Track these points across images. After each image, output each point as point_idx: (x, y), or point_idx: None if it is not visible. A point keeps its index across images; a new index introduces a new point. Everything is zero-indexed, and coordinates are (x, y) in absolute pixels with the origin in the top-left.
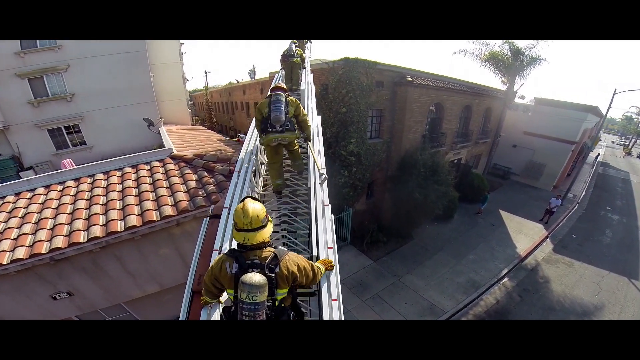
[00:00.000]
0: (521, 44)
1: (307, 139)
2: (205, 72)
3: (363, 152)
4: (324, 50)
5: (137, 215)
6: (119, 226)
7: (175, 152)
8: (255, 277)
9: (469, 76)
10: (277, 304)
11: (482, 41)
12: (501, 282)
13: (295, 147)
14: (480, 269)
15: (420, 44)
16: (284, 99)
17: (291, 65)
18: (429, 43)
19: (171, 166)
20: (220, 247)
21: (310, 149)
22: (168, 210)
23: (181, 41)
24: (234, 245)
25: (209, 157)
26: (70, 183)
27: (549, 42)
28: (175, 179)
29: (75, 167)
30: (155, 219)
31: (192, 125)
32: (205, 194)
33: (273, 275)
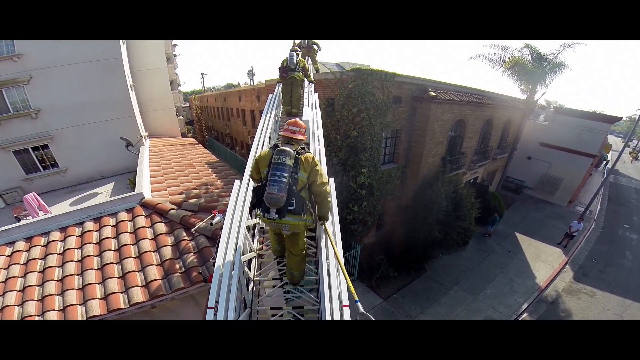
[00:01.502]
0: (544, 49)
1: (322, 218)
2: (202, 74)
3: (375, 182)
4: (322, 53)
5: (101, 299)
6: (79, 313)
7: (147, 197)
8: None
9: (477, 82)
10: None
11: (500, 46)
12: (520, 319)
13: (300, 243)
14: (499, 304)
15: (425, 49)
16: (291, 161)
17: (291, 81)
18: (435, 48)
19: (142, 220)
20: None
21: (329, 237)
22: (138, 295)
23: (173, 43)
24: None
25: (188, 206)
26: (21, 245)
27: (575, 47)
28: (146, 244)
29: (40, 202)
30: (122, 307)
31: (184, 135)
32: (184, 269)
33: None
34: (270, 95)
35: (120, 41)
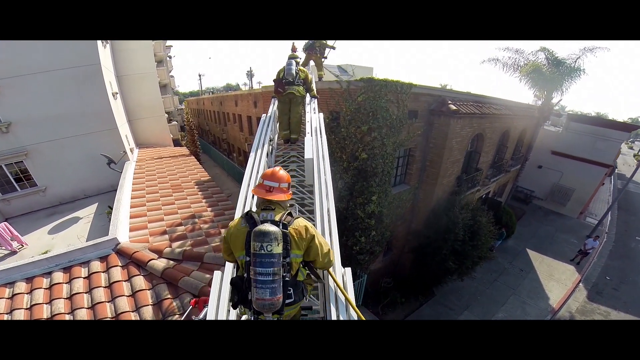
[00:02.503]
0: (561, 52)
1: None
2: (199, 75)
3: (385, 209)
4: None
5: None
6: None
7: (124, 241)
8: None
9: (478, 84)
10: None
11: (514, 50)
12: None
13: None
14: None
15: (423, 51)
16: (279, 247)
17: (289, 98)
18: (434, 50)
19: (117, 273)
20: None
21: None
22: None
23: (167, 44)
24: None
25: (171, 254)
26: None
27: (596, 52)
28: (124, 303)
29: (13, 233)
30: None
31: (177, 143)
32: None
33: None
34: (263, 116)
35: (101, 45)
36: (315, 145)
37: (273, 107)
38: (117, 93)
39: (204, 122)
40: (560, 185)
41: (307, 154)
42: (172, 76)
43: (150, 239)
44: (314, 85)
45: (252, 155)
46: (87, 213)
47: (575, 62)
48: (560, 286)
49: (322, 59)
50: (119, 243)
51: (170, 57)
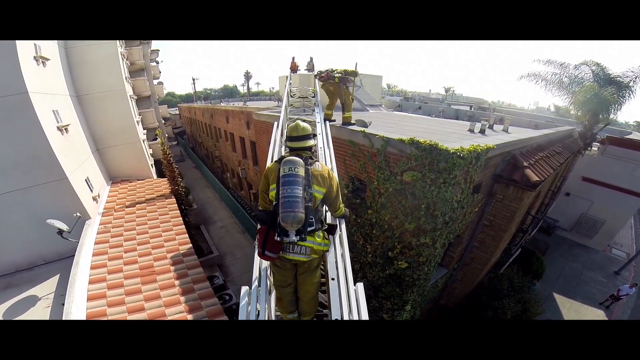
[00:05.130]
0: (615, 69)
1: None
2: (193, 80)
3: (418, 309)
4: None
5: None
6: None
7: None
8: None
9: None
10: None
11: (558, 64)
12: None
13: None
14: None
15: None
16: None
17: (293, 264)
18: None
19: None
20: None
21: None
22: None
23: (152, 48)
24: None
25: None
26: None
27: None
28: None
29: None
30: None
31: (159, 166)
32: None
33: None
34: (244, 293)
35: (31, 64)
36: None
37: (259, 273)
38: (67, 125)
39: (197, 133)
40: (589, 215)
41: None
42: (161, 82)
43: None
44: (340, 201)
45: None
46: (47, 291)
47: (634, 81)
48: None
49: (351, 90)
50: None
51: (157, 63)
